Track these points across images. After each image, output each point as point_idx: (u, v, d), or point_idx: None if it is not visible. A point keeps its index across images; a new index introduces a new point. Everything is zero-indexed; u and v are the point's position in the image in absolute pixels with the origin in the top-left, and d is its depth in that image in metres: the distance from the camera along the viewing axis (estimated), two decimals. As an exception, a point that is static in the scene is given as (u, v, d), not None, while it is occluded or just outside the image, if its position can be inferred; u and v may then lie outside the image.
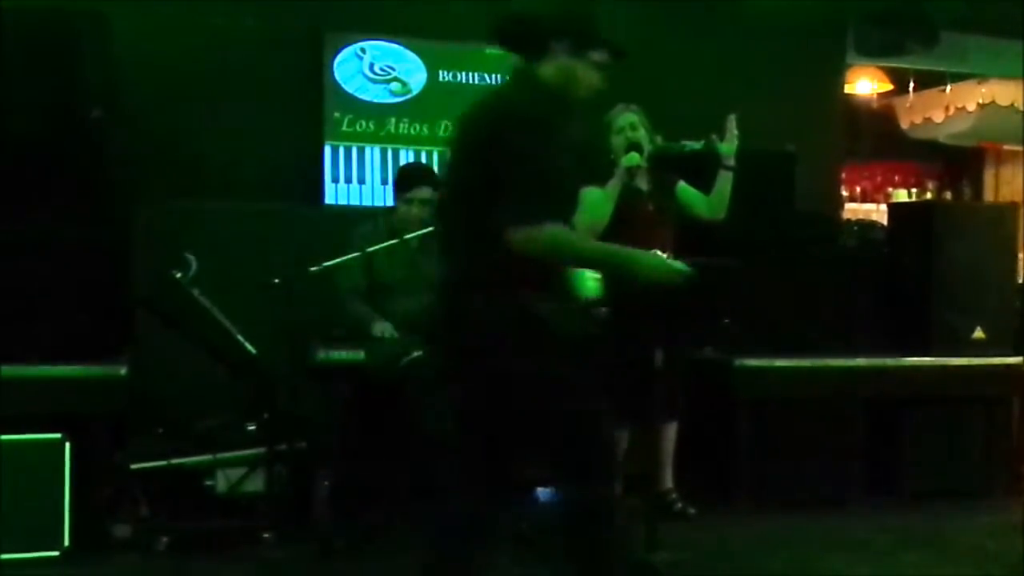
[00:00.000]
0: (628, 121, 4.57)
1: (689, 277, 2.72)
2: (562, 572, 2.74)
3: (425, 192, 4.41)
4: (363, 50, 5.43)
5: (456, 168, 2.78)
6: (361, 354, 3.90)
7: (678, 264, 2.75)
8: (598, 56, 2.75)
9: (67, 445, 3.85)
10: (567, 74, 2.73)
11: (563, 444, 2.67)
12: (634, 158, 4.40)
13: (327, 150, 5.27)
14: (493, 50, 5.52)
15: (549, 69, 2.73)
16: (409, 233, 4.32)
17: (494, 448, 2.78)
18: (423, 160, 5.33)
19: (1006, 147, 8.67)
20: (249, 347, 4.15)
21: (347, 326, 4.26)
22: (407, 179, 4.53)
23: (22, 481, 3.78)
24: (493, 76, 5.57)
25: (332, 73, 5.34)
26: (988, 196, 8.80)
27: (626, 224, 4.41)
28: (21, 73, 4.00)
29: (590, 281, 3.34)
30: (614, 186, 4.41)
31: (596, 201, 4.46)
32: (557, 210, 2.62)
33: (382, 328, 4.18)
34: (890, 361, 5.16)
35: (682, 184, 4.67)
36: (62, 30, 4.10)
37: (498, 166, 2.57)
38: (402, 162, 5.31)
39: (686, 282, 2.72)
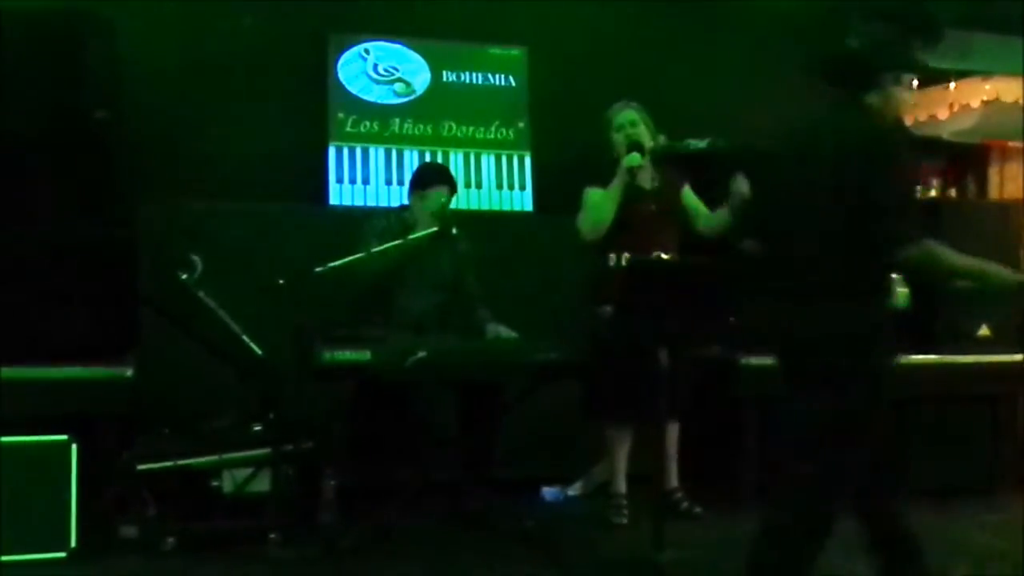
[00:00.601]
0: (628, 118, 4.55)
1: None
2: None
3: (442, 192, 4.42)
4: (367, 51, 5.44)
5: (809, 193, 2.99)
6: (367, 354, 3.90)
7: (1020, 276, 3.03)
8: (909, 77, 3.09)
9: (73, 446, 3.86)
10: (892, 101, 3.05)
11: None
12: (635, 159, 4.39)
13: (331, 151, 5.26)
14: (495, 50, 5.63)
15: (877, 98, 3.02)
16: (421, 231, 4.32)
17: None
18: (427, 159, 5.33)
19: (1011, 144, 8.62)
20: (255, 348, 4.16)
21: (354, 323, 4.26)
22: (426, 178, 4.54)
23: (29, 482, 3.78)
24: (496, 76, 5.58)
25: (336, 74, 5.35)
26: (992, 193, 8.73)
27: (629, 224, 4.41)
28: (26, 74, 4.00)
29: (902, 290, 3.59)
30: (616, 186, 4.40)
31: (598, 201, 4.45)
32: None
33: None
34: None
35: (687, 190, 4.65)
36: (66, 31, 4.11)
37: (880, 190, 2.86)
38: (406, 163, 5.31)
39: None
